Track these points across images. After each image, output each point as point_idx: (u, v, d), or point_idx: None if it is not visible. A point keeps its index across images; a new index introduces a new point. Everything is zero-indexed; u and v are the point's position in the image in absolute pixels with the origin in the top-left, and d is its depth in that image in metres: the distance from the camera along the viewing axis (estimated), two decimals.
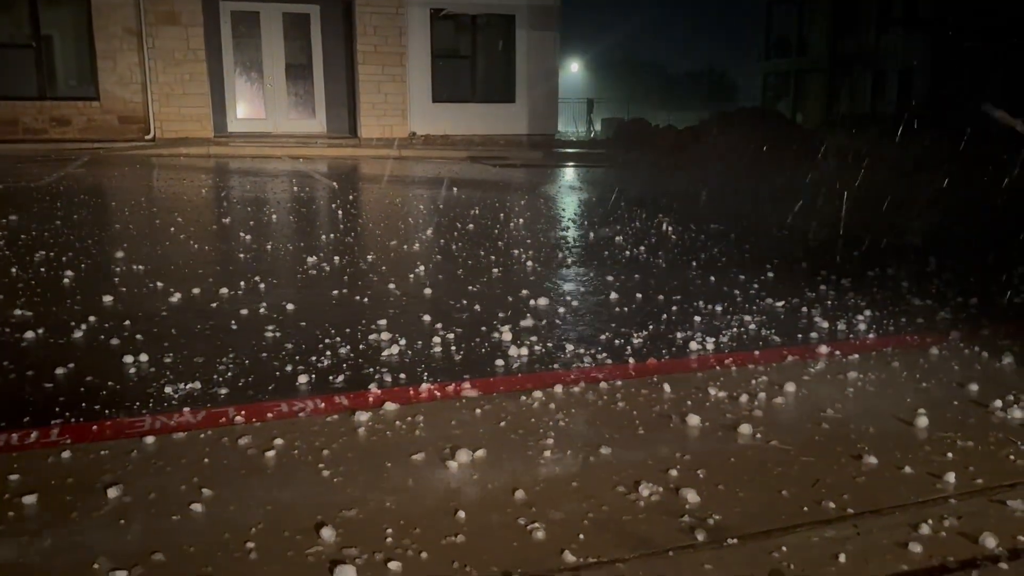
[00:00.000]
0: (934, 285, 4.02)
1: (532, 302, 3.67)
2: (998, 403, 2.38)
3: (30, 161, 11.53)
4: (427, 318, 3.38)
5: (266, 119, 16.41)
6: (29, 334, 3.06)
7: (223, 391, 2.51)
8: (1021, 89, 18.47)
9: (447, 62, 17.54)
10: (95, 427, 2.21)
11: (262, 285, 3.97)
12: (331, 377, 2.64)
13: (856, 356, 2.88)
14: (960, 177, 8.75)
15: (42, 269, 4.27)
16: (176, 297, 3.69)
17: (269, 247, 5.12)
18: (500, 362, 2.81)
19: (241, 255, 4.85)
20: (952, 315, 3.46)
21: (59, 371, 2.65)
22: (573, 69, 47.90)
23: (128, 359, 2.77)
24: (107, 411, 2.33)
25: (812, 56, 34.07)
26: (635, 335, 3.15)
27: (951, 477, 1.90)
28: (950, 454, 2.05)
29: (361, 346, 2.98)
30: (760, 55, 39.59)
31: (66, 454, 2.01)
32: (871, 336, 3.17)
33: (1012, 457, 2.04)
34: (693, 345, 3.02)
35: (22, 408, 2.33)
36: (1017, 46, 19.65)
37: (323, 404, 2.40)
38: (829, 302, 3.68)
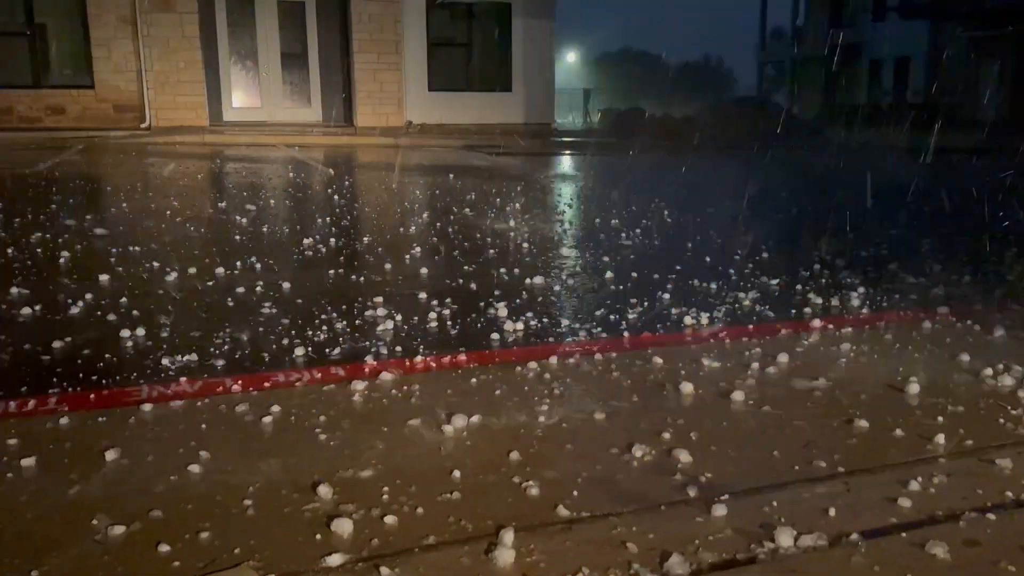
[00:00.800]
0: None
1: (528, 280, 3.68)
2: (988, 371, 2.40)
3: (24, 149, 11.51)
4: (423, 295, 3.39)
5: (261, 108, 16.38)
6: (26, 310, 3.07)
7: (220, 363, 2.52)
8: (1017, 76, 18.48)
9: (443, 50, 17.52)
10: (92, 395, 2.23)
11: (258, 265, 3.98)
12: (328, 350, 2.66)
13: (849, 329, 2.90)
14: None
15: (38, 250, 4.28)
16: (172, 276, 3.70)
17: (265, 230, 5.13)
18: (496, 336, 2.83)
19: (237, 237, 4.86)
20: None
21: (56, 344, 2.66)
22: (570, 59, 47.79)
23: (125, 333, 2.78)
24: (104, 381, 2.34)
25: (808, 45, 34.05)
26: (630, 311, 3.16)
27: (941, 439, 1.92)
28: (940, 418, 2.07)
29: (357, 321, 3.00)
30: (757, 45, 39.57)
31: (64, 420, 2.02)
32: (864, 311, 3.19)
33: (1002, 421, 2.06)
34: (688, 320, 3.03)
35: (20, 379, 2.34)
36: (1014, 33, 19.66)
37: (319, 375, 2.42)
38: (820, 280, 3.71)
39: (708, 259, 4.18)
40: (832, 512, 1.57)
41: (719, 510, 1.57)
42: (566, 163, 11.76)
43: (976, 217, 5.66)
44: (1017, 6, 19.66)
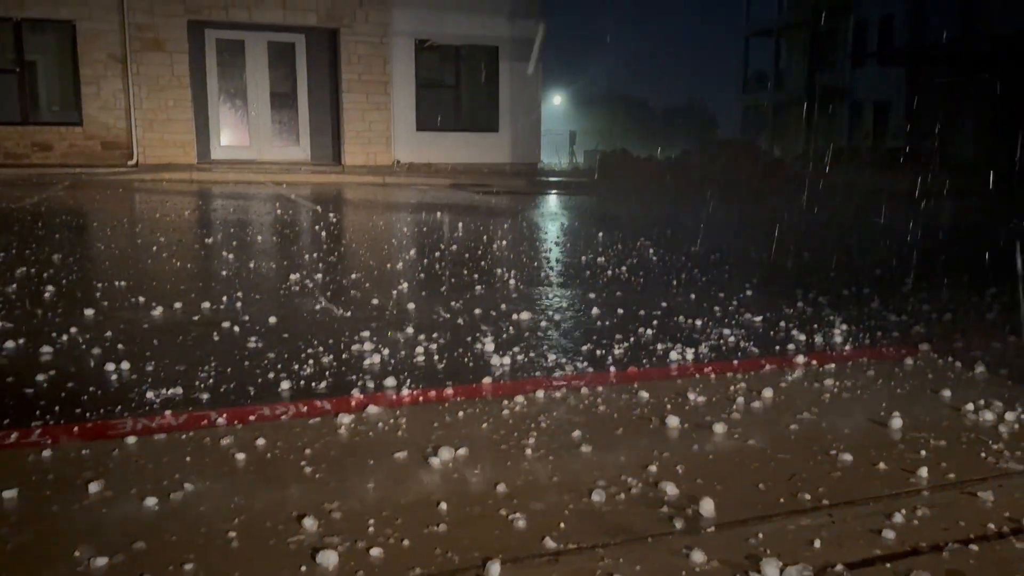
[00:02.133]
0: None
1: (515, 316, 3.70)
2: (970, 406, 2.43)
3: (11, 185, 11.49)
4: (410, 330, 3.40)
5: (250, 146, 16.46)
6: (9, 344, 3.05)
7: (205, 396, 2.51)
8: (991, 120, 18.90)
9: (431, 91, 17.73)
10: (76, 428, 2.21)
11: (244, 300, 3.98)
12: (314, 384, 2.65)
13: (832, 366, 2.93)
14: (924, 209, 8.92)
15: (23, 285, 4.26)
16: (158, 311, 3.69)
17: (252, 265, 5.13)
18: (483, 370, 2.83)
19: (223, 272, 4.86)
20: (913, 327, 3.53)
21: (40, 377, 2.64)
22: (556, 102, 48.42)
23: (109, 367, 2.77)
24: (88, 414, 2.32)
25: (789, 90, 34.72)
26: (616, 346, 3.18)
27: (924, 472, 1.94)
28: (923, 452, 2.09)
29: (344, 355, 3.00)
30: (739, 89, 40.32)
31: (47, 453, 2.00)
32: (847, 348, 3.22)
33: (984, 455, 2.08)
34: (673, 355, 3.06)
35: (2, 412, 2.32)
36: (987, 80, 20.14)
37: (305, 408, 2.41)
38: (804, 317, 3.75)
39: (692, 296, 4.22)
40: (817, 544, 1.57)
41: (705, 542, 1.57)
42: (552, 202, 11.86)
43: (946, 258, 5.75)
44: (990, 54, 20.19)
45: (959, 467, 1.99)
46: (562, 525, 1.65)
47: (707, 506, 1.70)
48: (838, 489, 1.85)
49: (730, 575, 1.47)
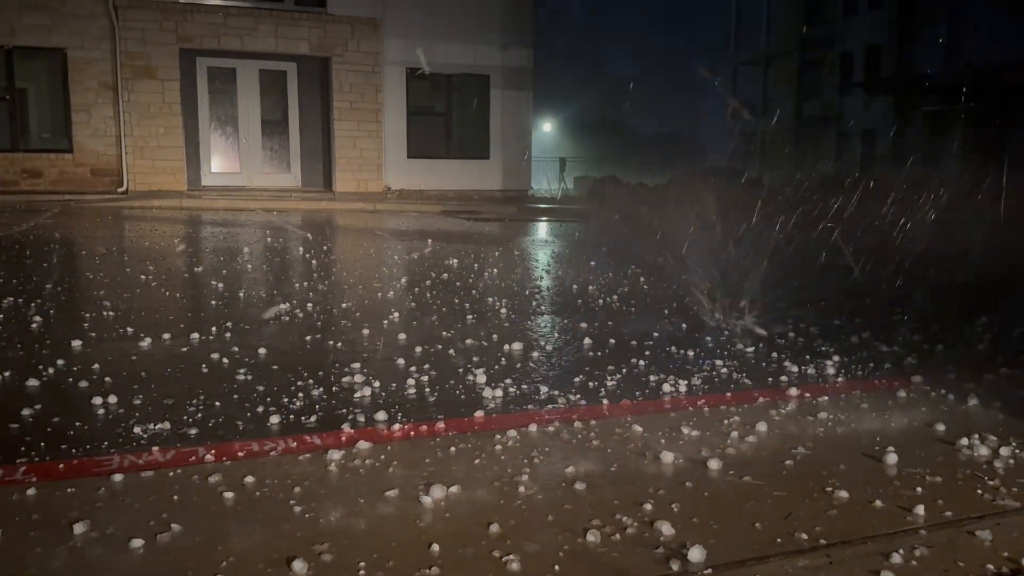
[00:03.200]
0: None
1: (506, 347, 3.68)
2: (964, 441, 2.42)
3: None
4: (401, 362, 3.37)
5: (241, 173, 16.45)
6: None
7: (193, 431, 2.47)
8: (976, 147, 19.12)
9: (422, 119, 17.79)
10: (62, 466, 2.17)
11: (234, 331, 3.95)
12: (303, 418, 2.62)
13: (825, 398, 2.92)
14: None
15: (9, 315, 4.21)
16: (146, 342, 3.66)
17: (241, 295, 5.10)
18: (475, 403, 2.81)
19: (213, 302, 4.83)
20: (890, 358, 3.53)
21: (25, 412, 2.60)
22: (546, 129, 48.74)
23: (97, 400, 2.73)
24: (75, 450, 2.29)
25: (777, 118, 35.05)
26: (609, 378, 3.17)
27: (920, 510, 1.92)
28: (919, 488, 2.08)
29: (334, 388, 2.97)
30: (728, 116, 40.67)
31: (31, 491, 1.97)
32: (839, 380, 3.21)
33: (980, 491, 2.07)
34: (666, 387, 3.04)
35: None
36: (972, 109, 20.41)
37: (295, 443, 2.38)
38: (795, 348, 3.74)
39: (684, 325, 4.22)
40: None
41: None
42: (542, 229, 11.88)
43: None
44: (974, 83, 20.47)
45: (956, 505, 1.97)
46: (556, 568, 1.63)
47: (696, 554, 1.66)
48: (835, 528, 1.83)
49: None
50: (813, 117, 32.40)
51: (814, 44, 32.28)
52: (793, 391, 2.98)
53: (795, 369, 3.34)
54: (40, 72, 15.12)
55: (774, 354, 3.59)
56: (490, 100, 18.26)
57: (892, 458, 2.27)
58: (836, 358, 3.49)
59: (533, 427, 2.52)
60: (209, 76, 16.00)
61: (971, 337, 4.00)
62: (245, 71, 16.21)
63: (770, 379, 3.21)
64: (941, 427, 2.58)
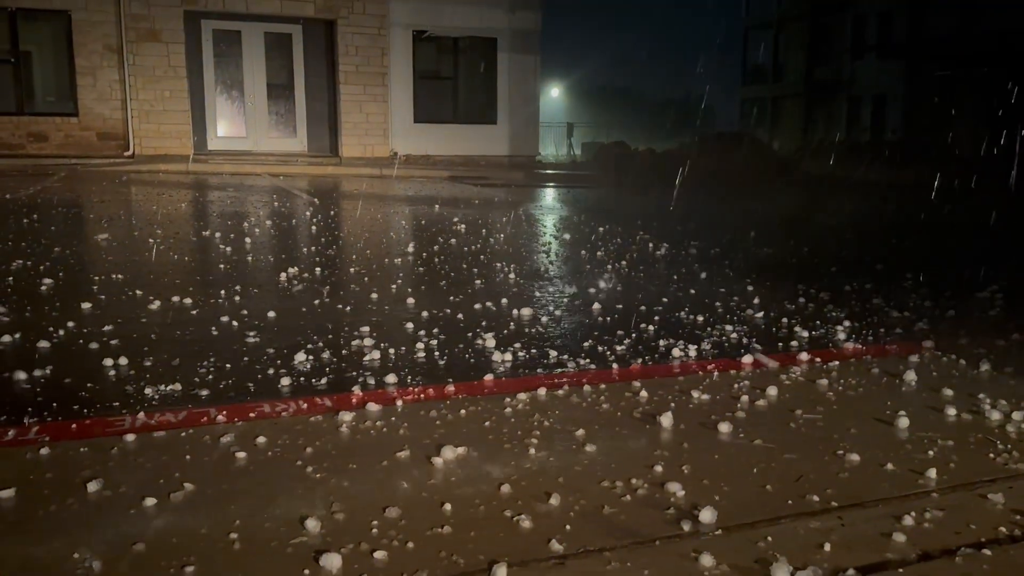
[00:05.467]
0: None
1: (515, 312, 3.67)
2: (976, 405, 2.41)
3: (5, 176, 11.41)
4: (410, 326, 3.37)
5: (246, 137, 16.37)
6: (5, 338, 3.02)
7: (204, 392, 2.48)
8: (989, 114, 18.88)
9: (429, 83, 17.64)
10: (74, 425, 2.18)
11: (242, 294, 3.95)
12: (314, 380, 2.63)
13: (836, 363, 2.91)
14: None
15: (19, 278, 4.22)
16: (156, 305, 3.66)
17: (250, 259, 5.10)
18: (484, 367, 2.81)
19: (221, 266, 4.83)
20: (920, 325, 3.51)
21: (37, 373, 2.62)
22: (553, 94, 48.29)
23: (107, 362, 2.74)
24: (86, 411, 2.30)
25: (788, 82, 34.65)
26: (617, 343, 3.16)
27: (932, 473, 1.92)
28: (931, 452, 2.07)
29: (344, 351, 2.97)
30: (738, 81, 40.22)
31: (44, 451, 1.98)
32: (849, 345, 3.20)
33: (991, 455, 2.06)
34: (675, 352, 3.03)
35: None
36: (987, 75, 20.12)
37: (306, 405, 2.39)
38: (807, 313, 3.73)
39: (693, 291, 4.20)
40: (827, 547, 1.55)
41: (714, 545, 1.55)
42: (550, 195, 11.82)
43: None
44: (990, 49, 20.16)
45: (968, 468, 1.97)
46: (568, 527, 1.63)
47: (707, 515, 1.66)
48: (847, 490, 1.83)
49: None
50: (824, 82, 31.96)
51: (826, 9, 31.74)
52: (804, 356, 2.97)
53: (805, 334, 3.32)
54: (44, 34, 15.01)
55: (784, 319, 3.57)
56: (497, 64, 18.07)
57: (904, 422, 2.26)
58: (846, 323, 3.46)
59: (543, 391, 2.51)
60: (214, 39, 15.86)
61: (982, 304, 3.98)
62: (250, 34, 16.05)
63: (780, 344, 3.20)
64: (950, 392, 2.56)
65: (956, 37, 22.15)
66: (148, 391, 2.47)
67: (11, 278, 4.18)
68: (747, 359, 2.91)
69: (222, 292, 3.96)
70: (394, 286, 4.24)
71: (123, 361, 2.75)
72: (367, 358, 2.88)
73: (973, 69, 21.41)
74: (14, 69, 14.64)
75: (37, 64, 15.22)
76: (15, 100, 14.62)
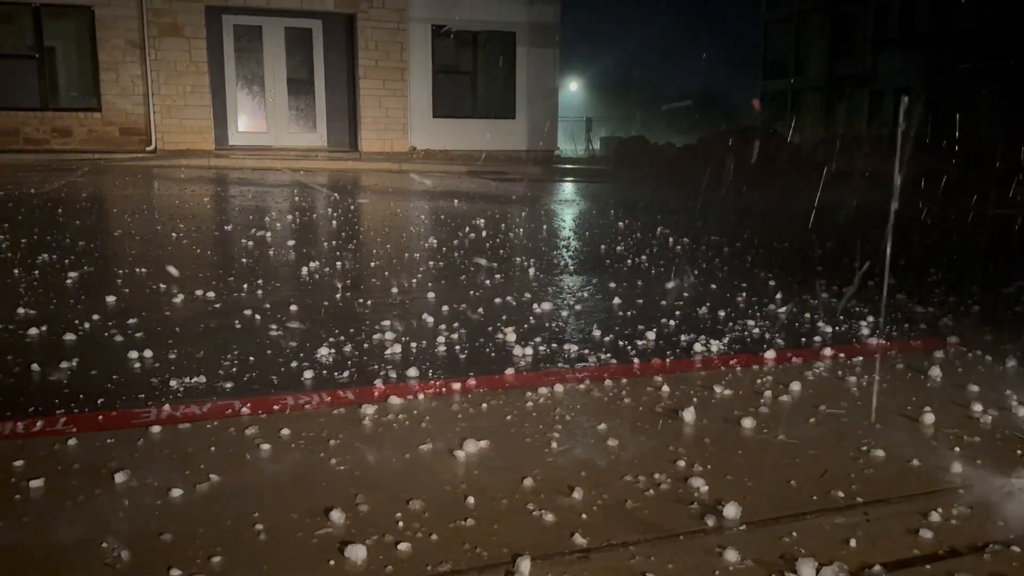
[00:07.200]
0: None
1: (535, 306, 3.67)
2: (1003, 402, 2.38)
3: (30, 170, 11.56)
4: (430, 320, 3.38)
5: (267, 132, 16.48)
6: (32, 331, 3.06)
7: (228, 385, 2.50)
8: (1012, 106, 18.63)
9: (448, 77, 17.66)
10: (101, 417, 2.21)
11: (265, 288, 3.98)
12: (336, 373, 2.64)
13: (859, 358, 2.89)
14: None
15: (45, 271, 4.27)
16: (179, 298, 3.69)
17: (271, 253, 5.13)
18: (505, 361, 2.81)
19: (244, 260, 4.86)
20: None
21: (63, 365, 2.65)
22: (572, 88, 48.15)
23: (132, 355, 2.77)
24: (113, 403, 2.32)
25: (809, 76, 34.33)
26: (638, 337, 3.15)
27: (958, 468, 1.90)
28: (957, 448, 2.05)
29: (365, 345, 2.98)
30: (758, 76, 39.90)
31: (72, 442, 2.00)
32: (873, 340, 3.17)
33: (1019, 452, 2.04)
34: (697, 347, 3.02)
35: (27, 399, 2.33)
36: (1009, 66, 19.84)
37: (329, 398, 2.40)
38: (828, 307, 3.70)
39: (714, 286, 4.18)
40: (853, 543, 1.54)
41: (738, 540, 1.54)
42: (569, 189, 11.79)
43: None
44: (1015, 39, 19.87)
45: (995, 464, 1.94)
46: (591, 521, 1.63)
47: (731, 510, 1.65)
48: (872, 486, 1.82)
49: (765, 575, 1.44)
50: (845, 76, 31.63)
51: (846, 0, 31.40)
52: (827, 351, 2.94)
53: (828, 329, 3.29)
54: (67, 30, 15.17)
55: (806, 314, 3.55)
56: (516, 58, 18.06)
57: (929, 418, 2.24)
58: (870, 318, 3.43)
59: (564, 385, 2.51)
60: (235, 34, 15.96)
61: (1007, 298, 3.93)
62: (271, 28, 16.14)
63: (803, 339, 3.18)
64: (975, 388, 2.53)
65: (976, 29, 21.84)
66: (173, 383, 2.49)
67: (37, 271, 4.24)
68: (770, 354, 2.89)
69: (244, 286, 3.99)
70: (414, 280, 4.25)
71: (148, 353, 2.78)
72: (388, 351, 2.89)
73: (996, 60, 21.11)
74: (38, 65, 14.81)
75: (61, 59, 15.39)
76: (39, 96, 14.80)
